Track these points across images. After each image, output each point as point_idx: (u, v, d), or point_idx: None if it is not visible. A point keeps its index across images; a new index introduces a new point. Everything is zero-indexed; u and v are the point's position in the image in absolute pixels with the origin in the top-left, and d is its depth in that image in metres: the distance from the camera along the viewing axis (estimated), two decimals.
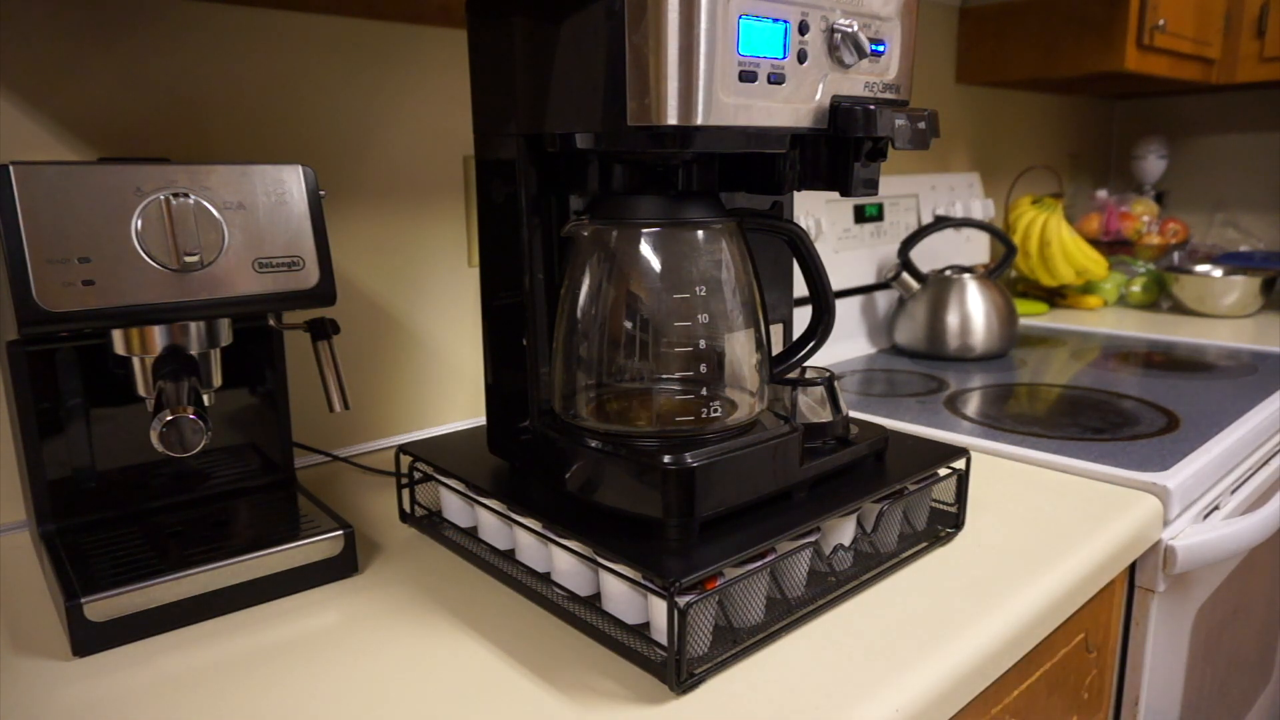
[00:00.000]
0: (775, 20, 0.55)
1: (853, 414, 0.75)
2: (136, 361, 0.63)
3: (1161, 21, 1.47)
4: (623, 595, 0.58)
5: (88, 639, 0.58)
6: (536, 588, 0.65)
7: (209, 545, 0.65)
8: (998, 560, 0.70)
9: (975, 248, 1.68)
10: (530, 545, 0.66)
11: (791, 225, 0.67)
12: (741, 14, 0.53)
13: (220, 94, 0.84)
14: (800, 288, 0.71)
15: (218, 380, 0.67)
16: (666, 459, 0.59)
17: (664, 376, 0.63)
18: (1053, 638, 0.72)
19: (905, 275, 1.42)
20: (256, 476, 0.77)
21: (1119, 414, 1.06)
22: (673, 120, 0.53)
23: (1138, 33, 1.47)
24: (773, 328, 0.79)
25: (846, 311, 1.43)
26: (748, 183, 0.68)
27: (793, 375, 0.72)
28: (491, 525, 0.70)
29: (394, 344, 1.00)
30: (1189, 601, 0.93)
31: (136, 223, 0.58)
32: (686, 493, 0.59)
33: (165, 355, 0.62)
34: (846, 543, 0.67)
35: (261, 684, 0.55)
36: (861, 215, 1.44)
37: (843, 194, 0.62)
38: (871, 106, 0.58)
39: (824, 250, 1.35)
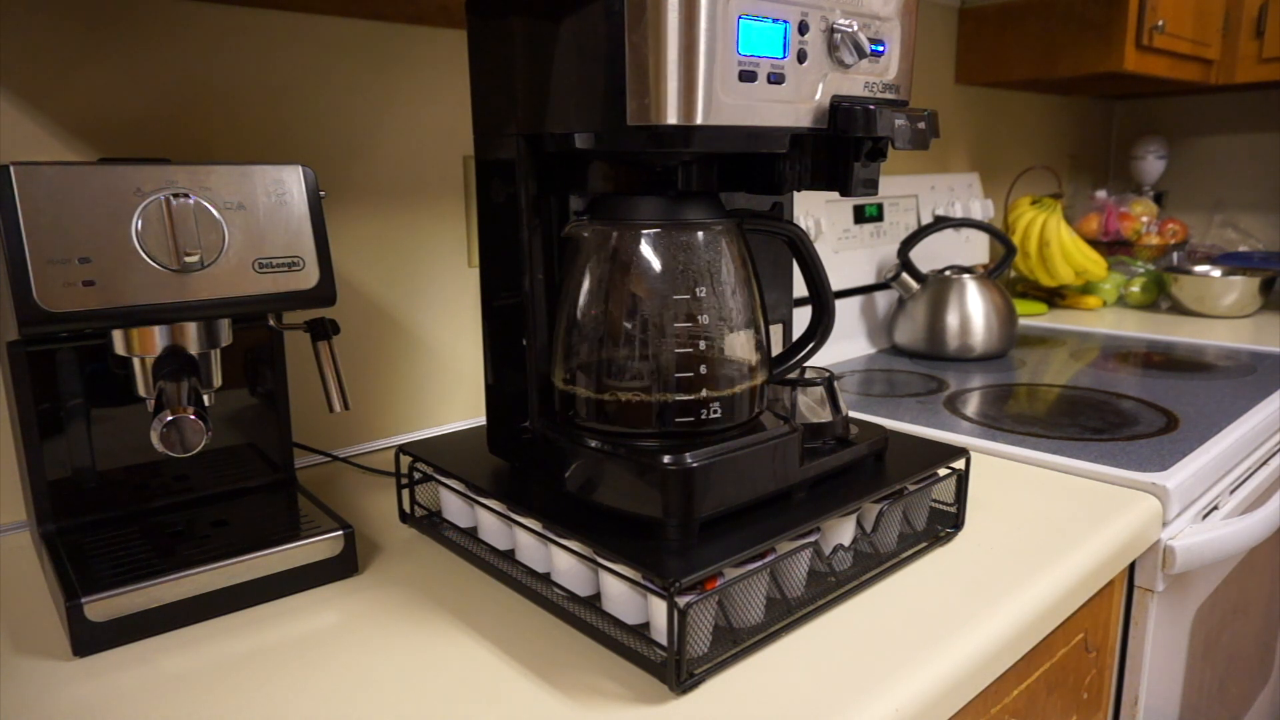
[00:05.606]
0: (775, 20, 0.55)
1: (853, 414, 0.75)
2: (136, 362, 0.63)
3: (1160, 22, 1.48)
4: (623, 595, 0.58)
5: (88, 639, 0.58)
6: (536, 588, 0.65)
7: (209, 545, 0.65)
8: (997, 560, 0.70)
9: (975, 248, 1.69)
10: (530, 545, 0.66)
11: (791, 226, 0.67)
12: (741, 14, 0.53)
13: (220, 94, 0.84)
14: (800, 288, 0.71)
15: (218, 380, 0.67)
16: (666, 459, 0.59)
17: (664, 377, 0.63)
18: (1052, 637, 0.72)
19: (905, 275, 1.42)
20: (256, 476, 0.77)
21: (1118, 414, 1.06)
22: (673, 120, 0.53)
23: (1137, 33, 1.47)
24: (773, 328, 0.79)
25: (846, 311, 1.43)
26: (748, 183, 0.68)
27: (792, 375, 0.72)
28: (491, 525, 0.70)
29: (394, 344, 1.00)
30: (1188, 601, 0.93)
31: (137, 223, 0.58)
32: (686, 493, 0.59)
33: (165, 355, 0.62)
34: (846, 543, 0.67)
35: (261, 684, 0.55)
36: (861, 215, 1.44)
37: (843, 194, 0.62)
38: (871, 106, 0.58)
39: (824, 250, 1.35)
